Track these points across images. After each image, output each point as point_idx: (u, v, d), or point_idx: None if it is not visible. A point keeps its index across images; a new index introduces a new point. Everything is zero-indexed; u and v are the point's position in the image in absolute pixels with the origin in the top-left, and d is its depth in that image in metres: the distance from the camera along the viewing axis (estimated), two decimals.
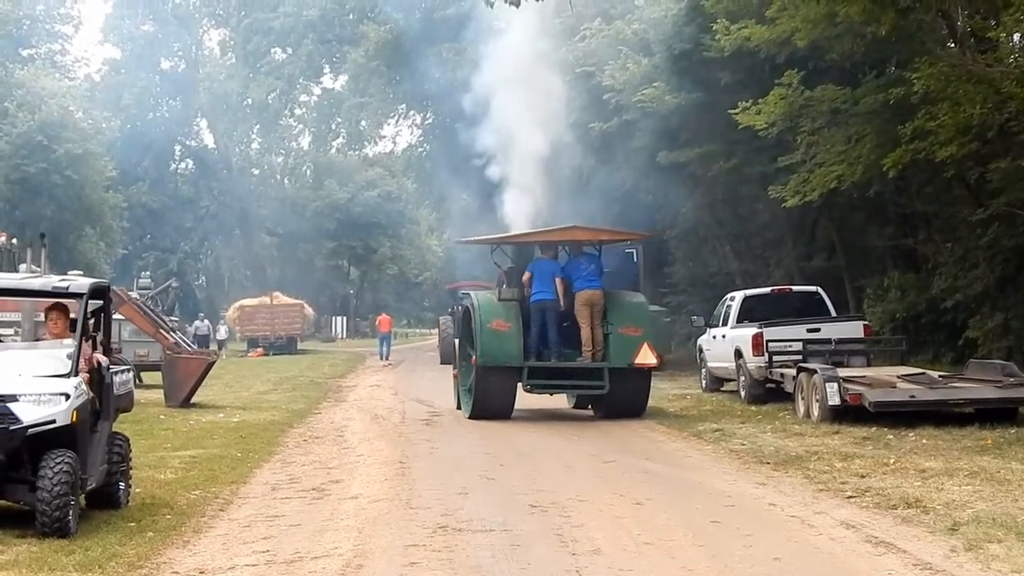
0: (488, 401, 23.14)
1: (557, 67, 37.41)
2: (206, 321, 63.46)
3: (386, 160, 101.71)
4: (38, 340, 12.76)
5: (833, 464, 15.65)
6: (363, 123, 79.10)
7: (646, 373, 23.40)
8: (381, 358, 53.19)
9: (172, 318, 42.64)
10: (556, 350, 23.26)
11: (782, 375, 23.76)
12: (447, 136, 55.24)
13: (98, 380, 12.22)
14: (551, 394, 24.99)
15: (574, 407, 25.77)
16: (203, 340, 57.67)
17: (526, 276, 23.54)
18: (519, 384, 23.24)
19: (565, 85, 37.35)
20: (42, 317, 13.42)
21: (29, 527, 11.01)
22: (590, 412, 24.49)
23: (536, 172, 29.19)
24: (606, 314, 23.22)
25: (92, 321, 12.64)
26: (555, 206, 47.56)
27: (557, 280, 23.30)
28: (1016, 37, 24.66)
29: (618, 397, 23.01)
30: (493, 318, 22.92)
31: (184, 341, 29.36)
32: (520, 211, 28.23)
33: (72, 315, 12.41)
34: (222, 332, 64.88)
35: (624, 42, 34.72)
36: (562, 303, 23.17)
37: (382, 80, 61.97)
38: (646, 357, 22.88)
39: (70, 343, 11.85)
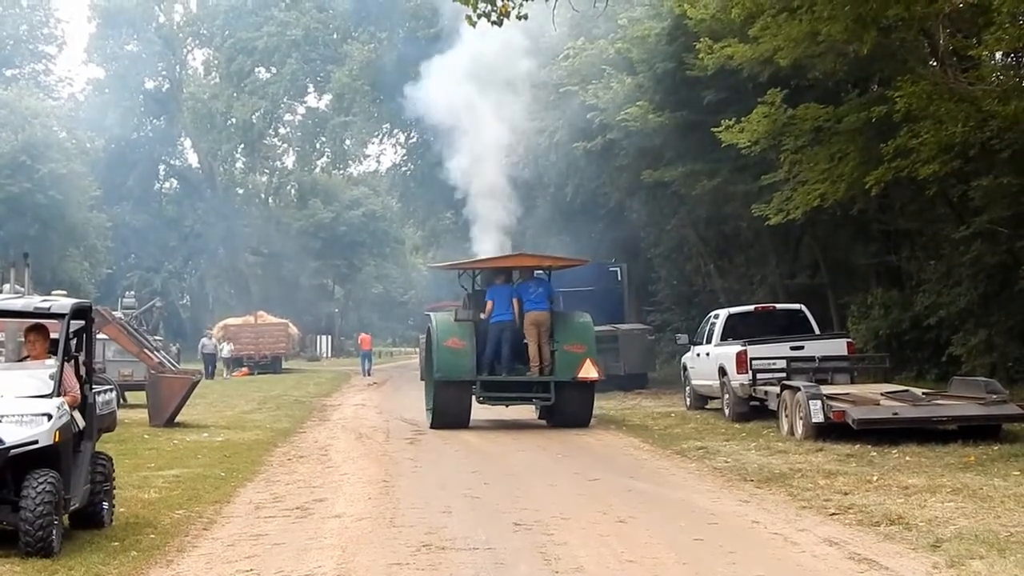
0: (446, 412, 25.36)
1: (538, 87, 37.65)
2: (213, 340, 60.96)
3: (370, 179, 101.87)
4: (24, 359, 12.70)
5: (816, 481, 15.67)
6: (347, 142, 79.14)
7: (589, 386, 25.41)
8: (364, 374, 57.52)
9: (156, 338, 42.61)
10: (508, 365, 25.48)
11: (766, 393, 23.79)
12: (431, 155, 55.37)
13: (80, 402, 12.20)
14: (507, 406, 27.28)
15: (539, 418, 27.58)
16: (210, 359, 56.82)
17: (489, 305, 25.64)
18: (474, 396, 25.54)
19: (547, 104, 37.54)
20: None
21: (12, 547, 10.99)
22: (575, 431, 24.71)
23: (503, 199, 31.77)
24: (554, 332, 25.44)
25: (74, 341, 12.62)
26: (537, 226, 47.90)
27: (514, 301, 25.52)
28: (998, 55, 24.76)
29: (566, 408, 25.35)
30: (449, 337, 25.29)
31: (168, 360, 29.32)
32: (487, 237, 31.06)
33: (54, 335, 12.39)
34: (225, 351, 62.16)
35: (607, 61, 34.82)
36: (517, 323, 25.41)
37: (366, 99, 62.05)
38: (588, 371, 24.98)
39: (52, 363, 11.84)
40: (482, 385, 25.35)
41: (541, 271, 26.72)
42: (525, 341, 25.44)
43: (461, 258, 32.62)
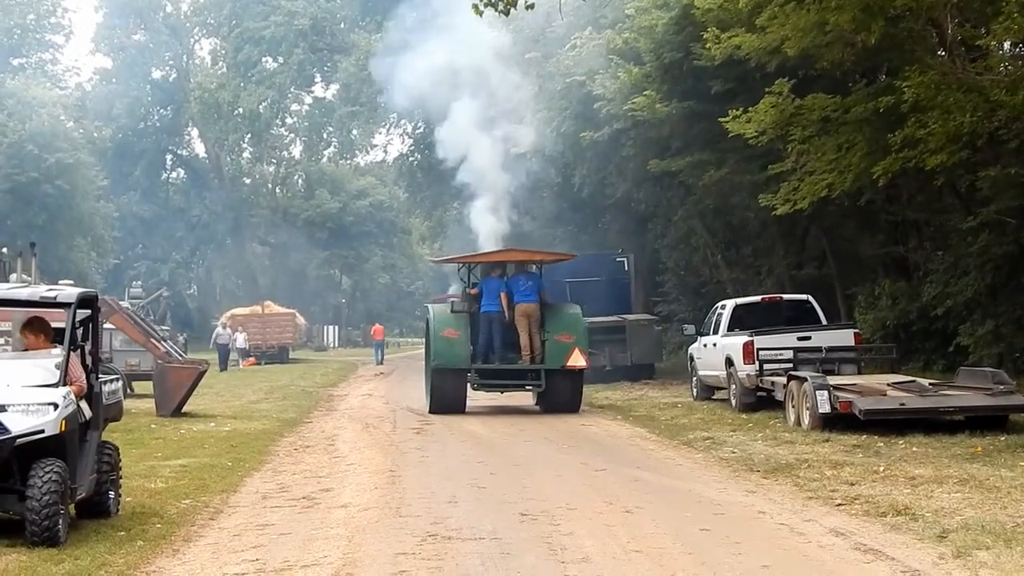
0: (443, 398, 26.85)
1: (545, 77, 37.63)
2: (228, 329, 59.17)
3: (377, 169, 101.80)
4: (27, 350, 12.66)
5: (823, 472, 15.66)
6: (354, 132, 78.98)
7: (578, 373, 26.86)
8: (376, 362, 59.76)
9: (163, 327, 42.66)
10: (500, 354, 27.01)
11: (773, 383, 23.77)
12: (437, 145, 55.30)
13: (87, 392, 12.19)
14: (501, 392, 28.75)
15: (536, 404, 28.75)
16: (224, 349, 55.29)
17: (474, 292, 27.44)
18: (469, 383, 27.10)
19: (554, 94, 37.51)
20: None
21: (19, 536, 10.99)
22: (582, 422, 24.92)
23: (504, 191, 33.60)
24: (544, 323, 26.85)
25: (81, 331, 12.60)
26: (543, 217, 47.88)
27: (502, 294, 26.95)
28: (1006, 45, 24.68)
29: (556, 394, 26.83)
30: (445, 327, 26.84)
31: (175, 350, 29.34)
32: (488, 230, 32.93)
33: (56, 324, 12.36)
34: (240, 340, 60.48)
35: (614, 51, 34.76)
36: (506, 314, 26.84)
37: (373, 89, 61.97)
38: (577, 360, 26.43)
39: (59, 353, 11.83)
40: (477, 372, 26.86)
41: (532, 265, 28.18)
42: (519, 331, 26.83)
43: (467, 249, 33.90)
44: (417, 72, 36.97)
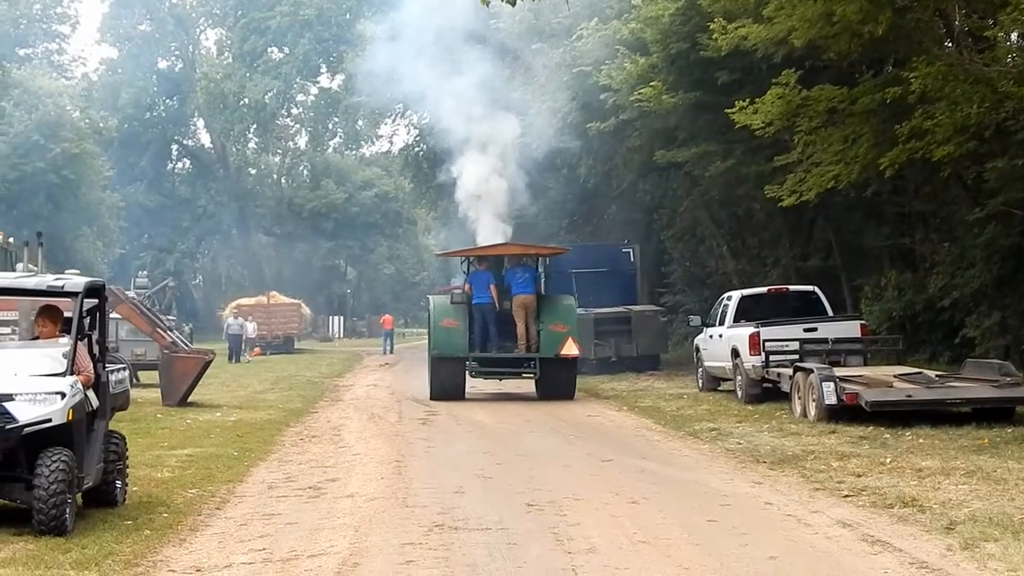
0: (443, 385, 28.12)
1: (551, 68, 37.65)
2: (239, 319, 57.61)
3: (383, 160, 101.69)
4: (35, 339, 12.67)
5: (829, 463, 15.64)
6: (360, 123, 78.94)
7: (572, 361, 28.04)
8: (384, 352, 61.02)
9: (169, 317, 42.63)
10: (497, 343, 28.25)
11: (779, 375, 23.74)
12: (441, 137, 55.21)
13: (94, 381, 12.19)
14: (499, 379, 29.93)
15: (536, 390, 29.39)
16: (236, 340, 54.29)
17: (467, 287, 28.77)
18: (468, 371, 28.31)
19: (560, 85, 37.49)
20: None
21: (26, 525, 11.01)
22: (588, 412, 24.96)
23: (508, 184, 34.45)
24: (540, 313, 28.02)
25: (88, 320, 12.60)
26: (550, 207, 47.85)
27: (491, 286, 28.16)
28: (1014, 36, 24.62)
29: (552, 381, 27.97)
30: (444, 317, 28.09)
31: (181, 340, 29.34)
32: (488, 224, 33.82)
33: (67, 313, 12.38)
34: (250, 330, 58.80)
35: (621, 41, 34.69)
36: (497, 305, 28.10)
37: (379, 79, 61.96)
38: (570, 348, 27.60)
39: (66, 342, 11.83)
40: (475, 361, 28.13)
41: (530, 258, 29.27)
42: (515, 320, 27.97)
43: (469, 241, 34.63)
44: (416, 65, 37.07)
